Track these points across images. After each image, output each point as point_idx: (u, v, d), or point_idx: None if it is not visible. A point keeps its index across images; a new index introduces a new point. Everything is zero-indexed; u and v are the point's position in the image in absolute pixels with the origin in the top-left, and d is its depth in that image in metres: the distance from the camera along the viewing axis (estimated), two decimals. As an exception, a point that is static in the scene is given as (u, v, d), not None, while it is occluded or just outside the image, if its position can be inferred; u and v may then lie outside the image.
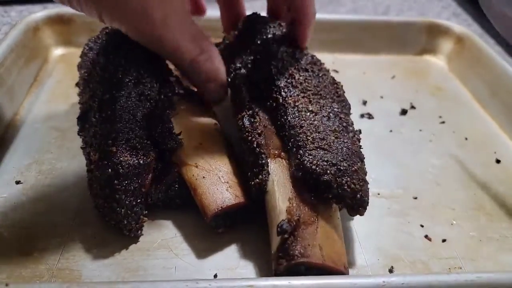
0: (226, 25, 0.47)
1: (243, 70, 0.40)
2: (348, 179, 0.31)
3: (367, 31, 0.62)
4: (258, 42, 0.41)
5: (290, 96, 0.37)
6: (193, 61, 0.35)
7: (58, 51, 0.58)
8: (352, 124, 0.38)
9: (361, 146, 0.36)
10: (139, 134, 0.34)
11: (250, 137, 0.35)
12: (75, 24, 0.57)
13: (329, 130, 0.35)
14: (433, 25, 0.63)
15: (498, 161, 0.45)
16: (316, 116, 0.36)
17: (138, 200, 0.33)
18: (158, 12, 0.31)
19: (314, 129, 0.34)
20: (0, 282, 0.26)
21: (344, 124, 0.36)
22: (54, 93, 0.50)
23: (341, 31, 0.61)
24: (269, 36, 0.42)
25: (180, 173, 0.35)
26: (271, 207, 0.32)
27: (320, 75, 0.40)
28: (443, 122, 0.50)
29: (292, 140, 0.34)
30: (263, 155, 0.34)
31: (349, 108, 0.39)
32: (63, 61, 0.56)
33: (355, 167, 0.33)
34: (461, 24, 0.79)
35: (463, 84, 0.58)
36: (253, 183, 0.33)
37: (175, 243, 0.34)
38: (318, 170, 0.31)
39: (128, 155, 0.32)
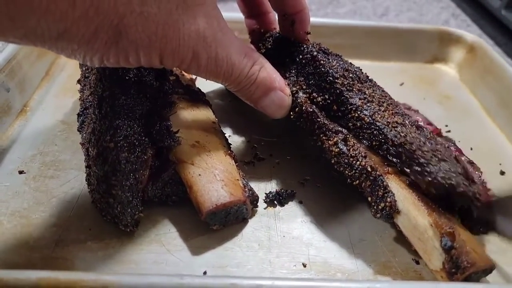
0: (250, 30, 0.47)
1: (301, 94, 0.38)
2: (475, 185, 0.32)
3: (375, 37, 0.61)
4: (303, 61, 0.39)
5: (375, 112, 0.35)
6: (248, 74, 0.34)
7: (71, 47, 0.59)
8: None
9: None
10: (137, 131, 0.34)
11: (357, 162, 0.34)
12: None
13: (426, 139, 0.34)
14: (445, 33, 0.62)
15: (502, 173, 0.44)
16: (408, 128, 0.35)
17: (135, 196, 0.34)
18: (209, 34, 0.30)
19: (421, 142, 0.33)
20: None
21: (424, 128, 0.36)
22: (64, 87, 0.52)
23: (348, 36, 0.61)
24: (314, 53, 0.39)
25: (176, 170, 0.35)
26: (412, 226, 0.32)
27: (374, 82, 0.39)
28: (449, 131, 0.50)
29: (404, 157, 0.33)
30: (380, 177, 0.33)
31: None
32: (75, 57, 0.57)
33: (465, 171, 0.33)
34: (460, 25, 0.78)
35: (473, 94, 0.57)
36: (381, 207, 0.33)
37: (168, 238, 0.34)
38: (453, 182, 0.31)
39: (126, 152, 0.33)
